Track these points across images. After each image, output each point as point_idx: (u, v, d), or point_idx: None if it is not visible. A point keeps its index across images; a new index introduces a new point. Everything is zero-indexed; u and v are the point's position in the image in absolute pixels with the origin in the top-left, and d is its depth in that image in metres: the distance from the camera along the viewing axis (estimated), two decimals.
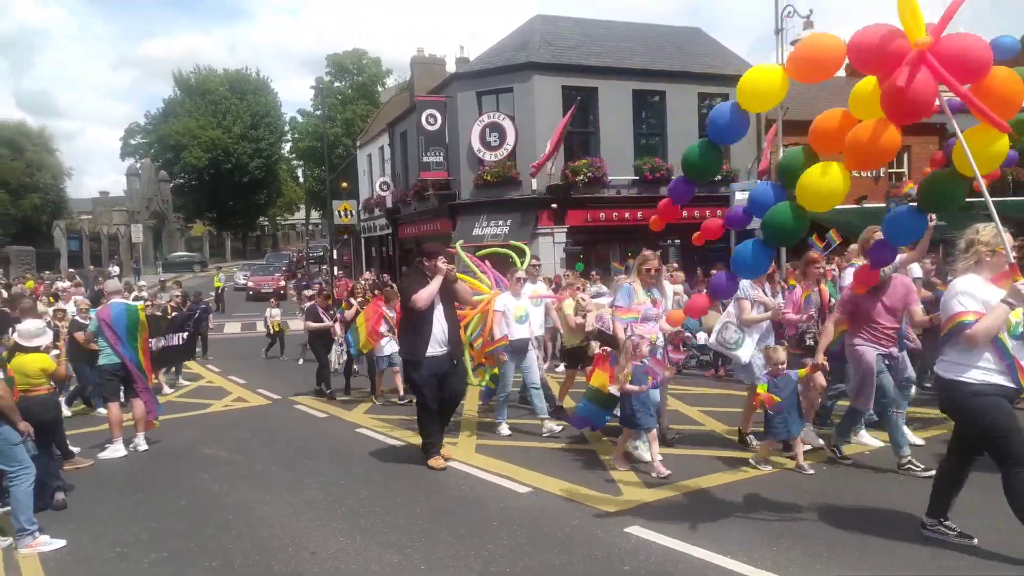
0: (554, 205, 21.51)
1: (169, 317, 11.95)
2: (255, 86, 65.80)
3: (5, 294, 18.02)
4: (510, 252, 9.69)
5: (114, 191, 61.17)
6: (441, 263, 6.91)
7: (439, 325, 7.01)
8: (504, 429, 8.25)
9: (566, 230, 21.83)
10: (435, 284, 6.85)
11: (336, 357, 12.15)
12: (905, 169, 26.47)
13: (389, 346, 10.41)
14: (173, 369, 12.86)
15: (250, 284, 34.71)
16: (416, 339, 6.97)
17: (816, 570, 4.42)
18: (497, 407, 8.55)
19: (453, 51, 54.25)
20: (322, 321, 11.79)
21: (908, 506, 5.25)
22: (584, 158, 21.72)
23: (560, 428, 8.11)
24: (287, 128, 69.15)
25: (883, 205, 20.55)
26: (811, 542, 4.83)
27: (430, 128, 23.05)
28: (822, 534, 4.96)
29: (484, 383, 9.43)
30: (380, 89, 59.42)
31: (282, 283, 32.92)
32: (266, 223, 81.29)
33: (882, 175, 25.61)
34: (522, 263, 9.15)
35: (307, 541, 5.28)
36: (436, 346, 6.98)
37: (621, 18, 26.88)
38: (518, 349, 8.26)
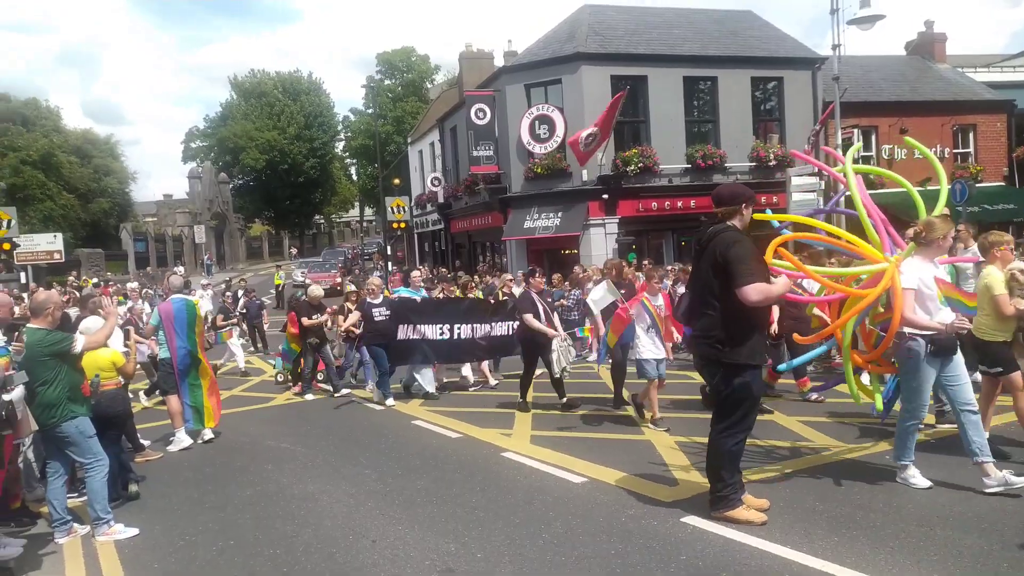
0: (605, 196, 21.37)
1: (494, 301, 10.92)
2: (307, 87, 67.09)
3: (78, 295, 18.80)
4: (903, 182, 6.36)
5: (177, 193, 63.18)
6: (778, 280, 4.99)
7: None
8: (917, 479, 5.47)
9: (617, 221, 21.66)
10: (777, 289, 4.94)
11: (560, 356, 8.89)
12: (971, 148, 25.46)
13: (651, 349, 8.01)
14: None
15: (308, 281, 35.51)
16: (752, 333, 4.93)
17: (879, 561, 4.31)
18: (900, 439, 5.58)
19: (501, 45, 54.14)
20: (540, 316, 9.01)
21: (975, 499, 5.09)
22: (635, 147, 21.50)
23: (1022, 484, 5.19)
24: (340, 127, 70.32)
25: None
26: (876, 533, 4.72)
27: (479, 122, 23.13)
28: (887, 525, 4.84)
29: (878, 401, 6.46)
30: (429, 85, 59.81)
31: (338, 279, 33.55)
32: (322, 221, 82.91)
33: (946, 155, 24.70)
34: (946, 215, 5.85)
35: (367, 530, 5.41)
36: None
37: (670, 4, 26.37)
38: (943, 348, 5.31)
